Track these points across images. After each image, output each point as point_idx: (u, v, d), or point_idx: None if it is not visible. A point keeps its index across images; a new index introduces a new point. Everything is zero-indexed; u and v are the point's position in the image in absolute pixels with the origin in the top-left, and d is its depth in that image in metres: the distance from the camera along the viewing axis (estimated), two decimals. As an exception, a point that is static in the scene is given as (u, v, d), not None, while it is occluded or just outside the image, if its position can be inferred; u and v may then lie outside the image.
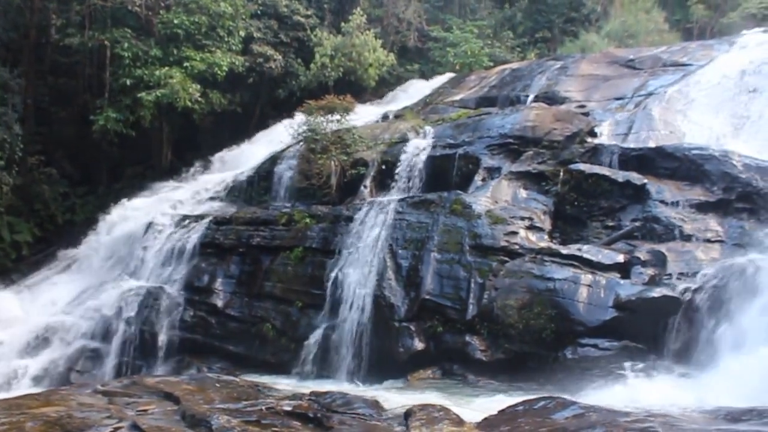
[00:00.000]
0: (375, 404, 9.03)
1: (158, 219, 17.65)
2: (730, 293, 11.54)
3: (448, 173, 16.25)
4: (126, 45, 21.52)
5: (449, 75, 24.72)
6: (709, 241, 12.93)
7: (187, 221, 17.36)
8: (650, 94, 17.63)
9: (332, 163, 17.27)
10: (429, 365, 13.29)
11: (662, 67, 19.24)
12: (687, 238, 13.07)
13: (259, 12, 24.85)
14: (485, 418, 8.55)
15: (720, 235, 13.01)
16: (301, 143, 18.31)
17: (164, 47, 21.98)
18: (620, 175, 14.36)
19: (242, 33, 23.50)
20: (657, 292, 12.02)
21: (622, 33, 27.63)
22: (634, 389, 10.38)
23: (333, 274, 14.77)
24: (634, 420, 7.81)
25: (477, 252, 13.70)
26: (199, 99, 21.76)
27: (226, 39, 22.83)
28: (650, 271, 12.59)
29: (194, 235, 16.80)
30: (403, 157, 16.87)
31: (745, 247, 12.47)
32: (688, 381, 10.78)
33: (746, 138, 15.12)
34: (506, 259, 13.48)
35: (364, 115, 21.18)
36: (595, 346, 12.09)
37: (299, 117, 18.92)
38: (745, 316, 11.11)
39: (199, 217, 17.39)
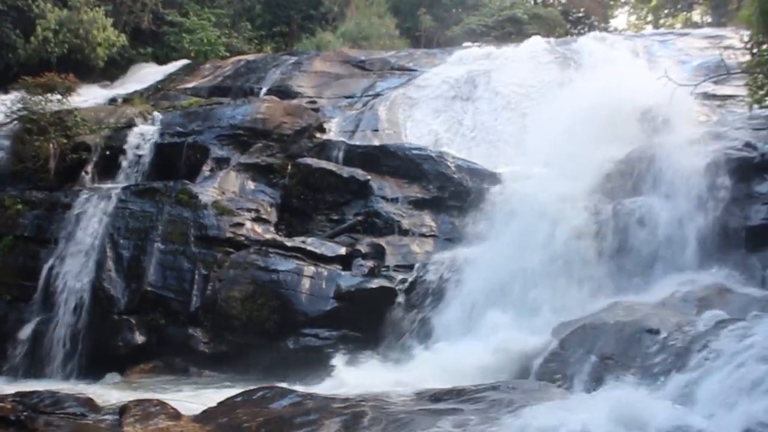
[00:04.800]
0: (88, 402, 8.56)
1: None
2: (439, 284, 12.48)
3: (176, 162, 15.80)
4: None
5: (184, 62, 24.09)
6: (424, 235, 13.87)
7: None
8: (378, 94, 18.48)
9: (51, 145, 16.05)
10: (151, 359, 12.94)
11: (390, 70, 20.23)
12: (404, 232, 13.90)
13: (-31, -26, 22.49)
14: (204, 411, 8.46)
15: (434, 230, 13.99)
16: (16, 122, 16.85)
17: None
18: (345, 171, 14.88)
19: (-53, -4, 21.15)
20: (375, 283, 12.70)
21: (356, 34, 28.58)
22: (353, 376, 10.83)
23: (48, 265, 13.83)
24: (348, 405, 8.15)
25: (202, 243, 13.54)
26: None
27: (-74, 1, 20.39)
28: (370, 263, 13.22)
29: None
30: (128, 143, 16.14)
31: (455, 241, 13.54)
32: (402, 366, 11.43)
33: (460, 141, 16.38)
34: (232, 250, 13.46)
35: (91, 96, 20.03)
36: (315, 335, 12.49)
37: (14, 93, 17.40)
38: (451, 305, 12.09)
39: None
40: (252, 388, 9.23)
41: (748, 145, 12.16)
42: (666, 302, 10.18)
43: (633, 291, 11.24)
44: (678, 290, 10.44)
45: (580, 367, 9.23)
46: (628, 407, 6.73)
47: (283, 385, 9.77)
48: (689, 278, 10.91)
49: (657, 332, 8.97)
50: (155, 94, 20.46)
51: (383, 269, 13.14)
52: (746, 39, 13.10)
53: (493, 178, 14.31)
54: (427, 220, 14.17)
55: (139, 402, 8.34)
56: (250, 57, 23.07)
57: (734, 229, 11.48)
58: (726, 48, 15.39)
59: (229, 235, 13.69)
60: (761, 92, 12.60)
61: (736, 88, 14.67)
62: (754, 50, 12.64)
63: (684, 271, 11.23)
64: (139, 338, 13.04)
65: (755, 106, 12.89)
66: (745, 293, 10.28)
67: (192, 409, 8.44)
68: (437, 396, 8.68)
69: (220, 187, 14.67)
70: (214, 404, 8.69)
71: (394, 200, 14.48)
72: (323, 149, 15.78)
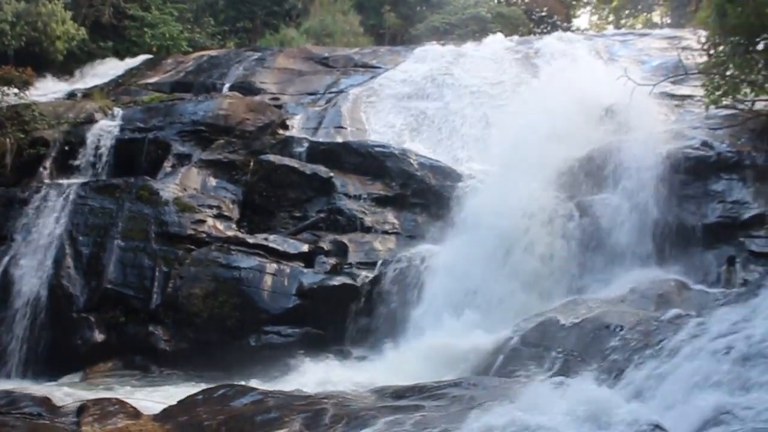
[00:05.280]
0: (45, 401, 8.42)
1: None
2: (403, 282, 12.51)
3: (137, 158, 15.64)
4: None
5: (145, 56, 23.78)
6: (386, 232, 13.91)
7: None
8: (341, 91, 18.45)
9: (7, 140, 15.77)
10: (111, 357, 12.78)
11: (354, 67, 20.21)
12: (367, 229, 13.93)
13: None
14: (164, 409, 8.38)
15: (396, 227, 14.04)
16: (-29, 117, 16.52)
17: None
18: (308, 168, 14.85)
19: None
20: (337, 281, 12.73)
21: (320, 31, 28.47)
22: (315, 373, 10.82)
23: (4, 262, 13.53)
24: (310, 402, 8.14)
25: (163, 240, 13.44)
26: None
27: None
28: (333, 261, 13.23)
29: None
30: (88, 138, 15.92)
31: (417, 238, 13.59)
32: (365, 364, 11.50)
33: (422, 138, 16.42)
34: (193, 247, 13.38)
35: (50, 90, 19.77)
36: (278, 333, 12.48)
37: (-31, 87, 17.04)
38: (415, 303, 12.13)
39: None
40: (213, 386, 9.18)
41: (705, 144, 12.41)
42: (625, 299, 10.35)
43: (594, 287, 11.42)
44: (637, 287, 10.62)
45: (540, 363, 9.33)
46: (587, 404, 6.83)
47: (245, 383, 9.76)
48: (648, 275, 11.10)
49: (616, 329, 9.10)
50: (116, 89, 20.20)
51: (346, 266, 13.14)
52: (703, 40, 13.32)
53: (456, 175, 14.39)
54: (390, 217, 14.19)
55: (97, 401, 8.23)
56: (213, 52, 22.87)
57: (691, 227, 11.72)
58: (684, 49, 15.68)
59: (190, 232, 13.59)
60: (718, 93, 12.85)
61: (694, 88, 14.93)
62: (711, 51, 12.87)
63: (643, 268, 11.44)
64: (99, 336, 12.86)
65: (712, 106, 13.11)
66: (702, 290, 10.51)
67: (152, 408, 8.38)
68: (399, 393, 8.69)
69: (182, 184, 14.54)
70: (174, 403, 8.63)
71: (357, 197, 14.47)
72: (286, 146, 15.69)
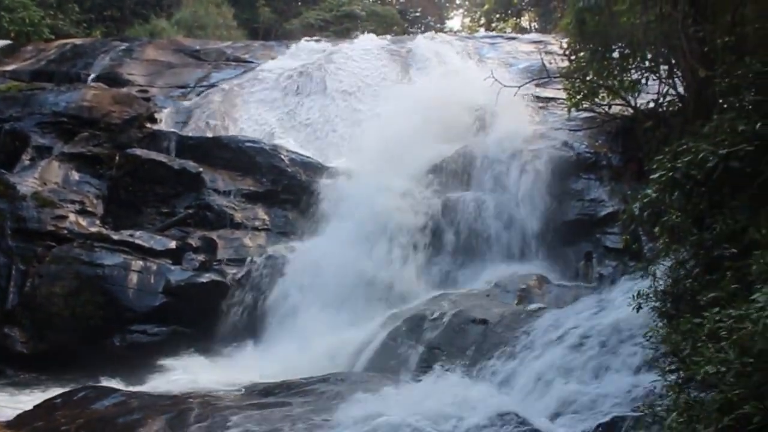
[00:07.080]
0: None
1: None
2: (271, 278, 12.47)
3: (-9, 150, 14.85)
4: None
5: (2, 42, 22.49)
6: (256, 229, 13.77)
7: None
8: (212, 85, 18.10)
9: None
10: (-39, 362, 12.10)
11: (226, 61, 19.87)
12: (237, 225, 13.74)
13: None
14: (18, 415, 8.10)
15: (267, 223, 13.92)
16: None
17: None
18: (176, 163, 14.49)
19: None
20: (206, 278, 12.55)
21: (192, 23, 27.86)
22: (183, 373, 10.63)
23: None
24: (175, 402, 8.06)
25: (20, 237, 12.79)
26: None
27: None
28: (201, 257, 13.00)
29: None
30: (-65, 128, 14.99)
31: (288, 234, 13.57)
32: (235, 362, 11.36)
33: (294, 135, 16.36)
34: (53, 244, 12.80)
35: None
36: (144, 332, 12.16)
37: None
38: (283, 301, 12.13)
39: None
40: (72, 388, 8.91)
41: (566, 145, 13.01)
42: (490, 293, 10.71)
43: (460, 282, 11.77)
44: (501, 281, 11.01)
45: (408, 357, 9.55)
46: (451, 397, 7.05)
47: (109, 384, 9.53)
48: (512, 270, 11.55)
49: (481, 322, 9.42)
50: (-31, 75, 19.03)
51: (215, 263, 12.95)
52: (565, 46, 13.90)
53: (326, 172, 14.40)
54: (260, 213, 14.06)
55: (-58, 409, 7.84)
56: (78, 41, 21.87)
57: (552, 224, 12.26)
58: (548, 53, 16.23)
59: (50, 228, 13.01)
60: (578, 96, 13.45)
61: (557, 91, 15.53)
62: (572, 57, 13.44)
63: (508, 263, 11.90)
64: (-53, 340, 12.15)
65: (573, 109, 13.72)
66: (561, 284, 11.03)
67: (5, 414, 8.06)
68: (267, 390, 8.73)
69: (42, 178, 13.89)
70: (30, 407, 8.33)
71: (227, 193, 14.25)
72: (154, 140, 15.25)
